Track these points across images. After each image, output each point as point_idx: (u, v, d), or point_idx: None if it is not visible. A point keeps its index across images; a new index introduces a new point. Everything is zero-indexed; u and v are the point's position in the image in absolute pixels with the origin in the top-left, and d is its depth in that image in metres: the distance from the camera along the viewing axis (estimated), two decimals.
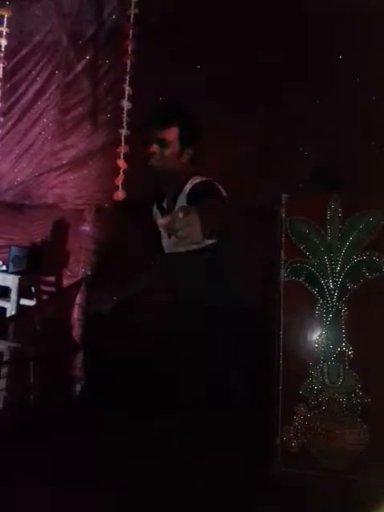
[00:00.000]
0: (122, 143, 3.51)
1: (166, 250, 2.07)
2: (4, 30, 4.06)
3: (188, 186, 1.97)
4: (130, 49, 3.44)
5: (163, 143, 1.99)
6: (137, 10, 3.42)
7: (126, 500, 1.92)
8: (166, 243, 2.06)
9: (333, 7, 2.88)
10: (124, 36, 3.45)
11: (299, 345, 2.47)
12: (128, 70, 3.47)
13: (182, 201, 1.97)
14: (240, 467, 2.38)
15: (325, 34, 2.93)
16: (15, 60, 4.08)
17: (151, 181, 2.11)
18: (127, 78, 3.48)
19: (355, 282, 2.46)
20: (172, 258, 2.03)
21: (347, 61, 2.92)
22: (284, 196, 2.52)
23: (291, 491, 2.31)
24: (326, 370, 2.45)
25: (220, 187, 1.91)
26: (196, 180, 1.96)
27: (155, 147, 1.99)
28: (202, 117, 3.00)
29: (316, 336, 2.47)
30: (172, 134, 2.00)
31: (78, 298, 3.55)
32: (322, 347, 2.46)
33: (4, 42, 4.07)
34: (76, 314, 3.54)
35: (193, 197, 1.90)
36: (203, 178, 1.96)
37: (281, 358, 2.43)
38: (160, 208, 2.12)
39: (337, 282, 2.47)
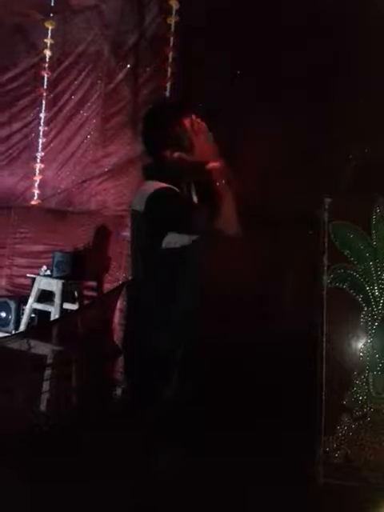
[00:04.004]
0: None
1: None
2: (49, 41, 4.19)
3: None
4: (170, 56, 3.48)
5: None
6: (177, 18, 3.46)
7: (166, 500, 1.92)
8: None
9: (378, 9, 2.82)
10: (165, 44, 3.49)
11: (343, 353, 2.40)
12: (168, 76, 3.51)
13: None
14: (282, 477, 2.35)
15: (369, 35, 2.86)
16: (59, 70, 4.20)
17: None
18: (167, 85, 3.51)
19: None
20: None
21: None
22: (327, 200, 2.47)
23: (333, 503, 2.25)
24: (371, 380, 2.37)
25: None
26: None
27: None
28: (244, 120, 3.03)
29: (361, 345, 2.40)
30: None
31: (119, 303, 3.59)
32: (367, 356, 2.39)
33: (48, 53, 4.20)
34: (117, 318, 3.58)
35: None
36: None
37: (324, 366, 2.37)
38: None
39: (383, 288, 2.39)
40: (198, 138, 1.75)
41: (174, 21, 3.48)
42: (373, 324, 2.40)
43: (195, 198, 1.90)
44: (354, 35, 2.89)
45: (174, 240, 1.78)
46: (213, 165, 1.71)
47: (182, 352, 1.84)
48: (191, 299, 1.87)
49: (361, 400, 2.37)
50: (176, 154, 1.75)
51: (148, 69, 3.75)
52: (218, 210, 1.69)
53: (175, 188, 1.79)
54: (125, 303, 3.45)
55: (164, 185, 1.76)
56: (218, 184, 1.70)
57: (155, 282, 1.82)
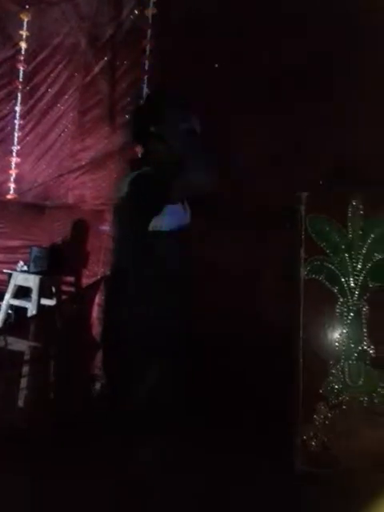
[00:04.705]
0: None
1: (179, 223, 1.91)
2: (24, 33, 4.12)
3: None
4: (148, 49, 3.46)
5: None
6: (155, 10, 3.44)
7: (146, 499, 1.93)
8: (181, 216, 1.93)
9: (359, 8, 2.85)
10: (142, 36, 3.46)
11: (319, 343, 2.45)
12: (146, 70, 3.49)
13: None
14: (260, 466, 2.38)
15: (348, 32, 2.89)
16: (34, 63, 4.13)
17: None
18: (145, 78, 3.50)
19: (377, 280, 2.43)
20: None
21: (372, 59, 2.88)
22: (304, 194, 2.51)
23: (311, 490, 2.28)
24: (346, 369, 2.42)
25: None
26: None
27: None
28: (223, 116, 3.03)
29: (336, 335, 2.45)
30: None
31: (97, 298, 3.57)
32: (343, 346, 2.44)
33: (24, 45, 4.13)
34: (95, 313, 3.56)
35: None
36: None
37: (301, 356, 2.41)
38: None
39: (358, 280, 2.44)
40: (168, 108, 1.83)
41: (151, 13, 3.46)
42: (348, 314, 2.45)
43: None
44: (349, 30, 2.90)
45: (159, 224, 1.81)
46: (182, 126, 1.79)
47: (169, 341, 1.85)
48: (178, 287, 1.89)
49: (337, 389, 2.41)
50: (152, 128, 1.81)
51: (125, 62, 3.72)
52: (185, 166, 1.73)
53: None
54: (104, 296, 3.42)
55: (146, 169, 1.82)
56: (184, 142, 1.77)
57: (141, 268, 1.83)
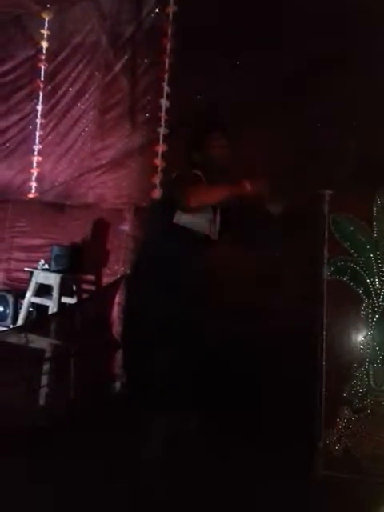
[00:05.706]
0: (160, 142, 3.52)
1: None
2: (45, 32, 4.14)
3: None
4: (168, 47, 3.45)
5: None
6: (175, 8, 3.42)
7: (162, 500, 1.92)
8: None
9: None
10: (162, 34, 3.45)
11: (343, 346, 2.39)
12: (166, 68, 3.48)
13: None
14: (281, 470, 2.35)
15: (370, 29, 2.83)
16: (56, 62, 4.16)
17: None
18: (166, 76, 3.49)
19: None
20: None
21: None
22: (327, 192, 2.45)
23: (333, 494, 2.24)
24: (371, 373, 2.36)
25: None
26: None
27: None
28: (241, 114, 3.00)
29: (361, 337, 2.39)
30: None
31: (118, 297, 3.57)
32: (368, 349, 2.37)
33: (45, 45, 4.16)
34: (115, 312, 3.57)
35: None
36: None
37: (324, 359, 2.36)
38: None
39: (383, 280, 2.38)
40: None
41: (172, 11, 3.44)
42: (373, 316, 2.38)
43: None
44: (354, 29, 2.86)
45: (186, 221, 2.00)
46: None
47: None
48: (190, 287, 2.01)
49: (361, 392, 2.36)
50: None
51: (146, 60, 3.72)
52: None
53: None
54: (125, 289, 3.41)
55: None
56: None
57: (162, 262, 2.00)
